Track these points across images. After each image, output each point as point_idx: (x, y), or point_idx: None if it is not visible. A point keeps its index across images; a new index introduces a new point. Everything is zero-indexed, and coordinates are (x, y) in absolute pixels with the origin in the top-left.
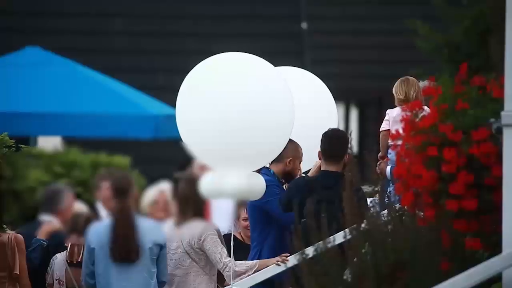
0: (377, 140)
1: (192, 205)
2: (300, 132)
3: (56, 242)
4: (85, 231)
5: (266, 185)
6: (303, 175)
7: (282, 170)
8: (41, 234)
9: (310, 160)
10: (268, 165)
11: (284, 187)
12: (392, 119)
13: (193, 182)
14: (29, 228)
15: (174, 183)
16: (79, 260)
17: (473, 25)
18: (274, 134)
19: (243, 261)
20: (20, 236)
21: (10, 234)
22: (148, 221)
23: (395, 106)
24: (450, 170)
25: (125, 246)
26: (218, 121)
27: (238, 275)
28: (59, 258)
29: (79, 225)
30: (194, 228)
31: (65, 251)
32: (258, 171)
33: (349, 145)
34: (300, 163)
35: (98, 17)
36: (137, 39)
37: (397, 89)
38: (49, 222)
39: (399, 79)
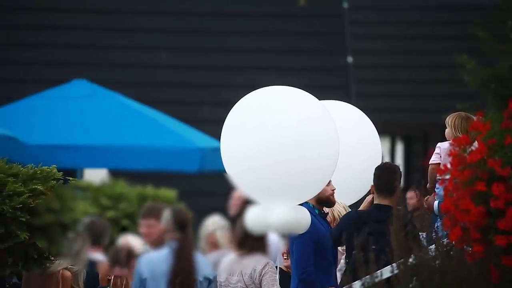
0: (424, 174)
1: (251, 238)
2: (345, 165)
3: None
4: (126, 263)
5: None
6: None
7: (317, 199)
8: (102, 281)
9: (351, 194)
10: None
11: (329, 216)
12: (444, 153)
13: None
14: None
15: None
16: None
17: None
18: (319, 166)
19: None
20: (68, 272)
21: (60, 268)
22: (198, 254)
23: (444, 140)
24: (499, 205)
25: (185, 279)
26: (263, 154)
27: None
28: None
29: (121, 258)
30: (255, 261)
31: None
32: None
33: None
34: (329, 183)
35: (144, 50)
36: (183, 72)
37: (457, 126)
38: (103, 264)
39: (458, 115)
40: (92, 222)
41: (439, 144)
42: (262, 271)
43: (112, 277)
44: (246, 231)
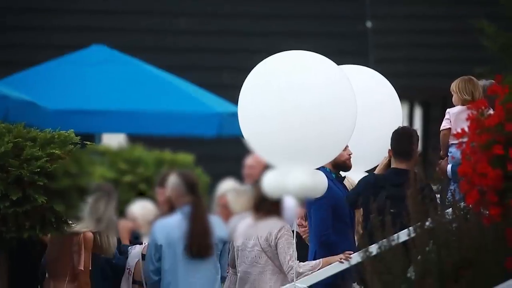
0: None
1: (267, 203)
2: (364, 130)
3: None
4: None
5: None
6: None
7: (333, 164)
8: (124, 238)
9: (373, 159)
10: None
11: (346, 180)
12: (454, 118)
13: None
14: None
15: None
16: None
17: None
18: (336, 130)
19: (306, 262)
20: (90, 234)
21: (84, 230)
22: (212, 216)
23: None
24: None
25: (202, 242)
26: (280, 118)
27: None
28: (137, 249)
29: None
30: (272, 225)
31: (143, 245)
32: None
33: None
34: (346, 148)
35: (162, 15)
36: (202, 37)
37: (462, 89)
38: (122, 224)
39: (461, 79)
40: (98, 187)
41: (448, 110)
42: (278, 234)
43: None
44: (263, 195)
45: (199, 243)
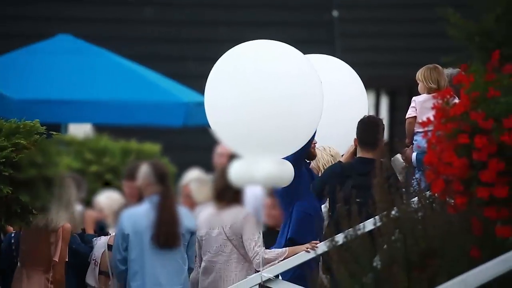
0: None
1: (230, 191)
2: (330, 119)
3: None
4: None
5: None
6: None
7: None
8: (89, 228)
9: (339, 147)
10: None
11: (314, 167)
12: (419, 106)
13: (226, 170)
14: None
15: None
16: None
17: (506, 13)
18: (303, 120)
19: (273, 249)
20: (68, 225)
21: (61, 225)
22: (180, 207)
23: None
24: (481, 157)
25: (169, 231)
26: (247, 107)
27: (266, 262)
28: (102, 240)
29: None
30: (236, 213)
31: (109, 236)
32: None
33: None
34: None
35: (128, 5)
36: (168, 27)
37: (427, 77)
38: (88, 213)
39: (426, 67)
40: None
41: (414, 98)
42: (243, 222)
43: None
44: (226, 184)
45: (166, 233)
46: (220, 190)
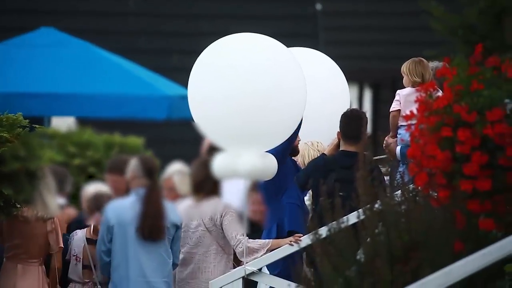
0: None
1: (209, 183)
2: (313, 112)
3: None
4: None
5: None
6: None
7: None
8: (62, 228)
9: (323, 141)
10: None
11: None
12: (404, 100)
13: (206, 162)
14: None
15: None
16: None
17: (489, 6)
18: (286, 113)
19: (256, 239)
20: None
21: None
22: (166, 201)
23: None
24: (464, 150)
25: (154, 224)
26: (230, 101)
27: (249, 252)
28: (79, 234)
29: (102, 204)
30: (215, 205)
31: (85, 228)
32: None
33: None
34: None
35: None
36: (151, 20)
37: (412, 71)
38: (64, 211)
39: (411, 60)
40: (52, 170)
41: (398, 91)
42: (222, 213)
43: (92, 224)
44: (205, 176)
45: (151, 225)
46: (199, 182)
